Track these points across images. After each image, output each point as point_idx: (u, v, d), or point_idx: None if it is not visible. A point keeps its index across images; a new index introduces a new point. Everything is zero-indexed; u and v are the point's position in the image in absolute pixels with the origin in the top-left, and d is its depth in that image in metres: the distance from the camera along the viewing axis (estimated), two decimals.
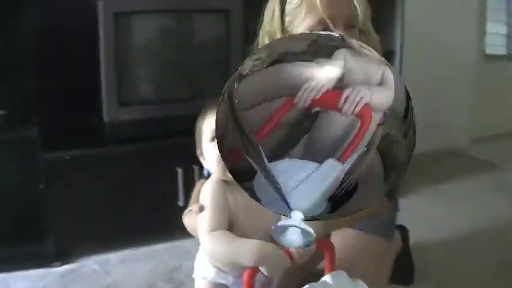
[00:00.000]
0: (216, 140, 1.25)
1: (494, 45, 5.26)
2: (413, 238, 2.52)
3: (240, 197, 1.52)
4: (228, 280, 1.61)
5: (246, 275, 1.47)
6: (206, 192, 1.58)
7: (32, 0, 2.65)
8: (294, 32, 1.68)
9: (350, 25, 1.65)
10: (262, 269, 1.46)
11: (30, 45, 2.67)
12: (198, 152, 1.69)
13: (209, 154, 1.60)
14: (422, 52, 4.47)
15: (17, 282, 2.61)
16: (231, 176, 1.21)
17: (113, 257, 2.81)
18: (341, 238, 1.85)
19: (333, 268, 1.62)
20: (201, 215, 1.55)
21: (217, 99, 1.16)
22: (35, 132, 2.67)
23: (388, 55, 3.36)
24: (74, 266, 2.75)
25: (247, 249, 1.46)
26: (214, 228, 1.52)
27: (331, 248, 1.64)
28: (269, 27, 1.76)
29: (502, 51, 5.35)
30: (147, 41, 3.00)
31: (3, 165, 2.93)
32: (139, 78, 2.91)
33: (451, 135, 4.96)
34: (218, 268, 1.61)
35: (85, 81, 2.85)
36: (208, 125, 1.60)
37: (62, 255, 2.78)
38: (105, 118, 2.79)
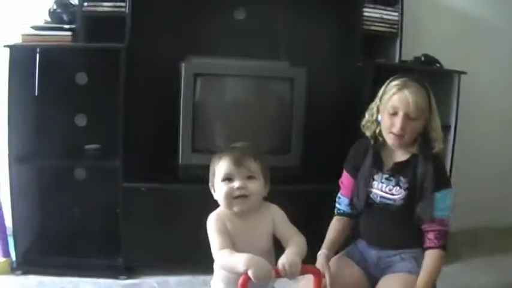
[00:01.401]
0: (225, 181, 2.01)
1: None
2: None
3: (238, 223, 2.11)
4: None
5: (240, 280, 1.93)
6: (210, 222, 2.14)
7: (126, 61, 3.40)
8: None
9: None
10: (250, 273, 1.90)
11: (123, 97, 3.41)
12: (210, 185, 2.23)
13: (219, 191, 2.13)
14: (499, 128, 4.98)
15: (86, 285, 3.30)
16: (234, 209, 1.88)
17: (172, 280, 3.46)
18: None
19: None
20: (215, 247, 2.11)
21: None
22: (120, 164, 3.39)
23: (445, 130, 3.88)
24: (137, 281, 3.43)
25: (241, 259, 1.94)
26: (221, 248, 2.05)
27: (318, 273, 2.09)
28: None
29: None
30: (221, 100, 3.69)
31: (94, 187, 3.81)
32: (211, 131, 3.56)
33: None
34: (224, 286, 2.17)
35: (167, 129, 3.58)
36: (220, 168, 2.12)
37: (128, 271, 3.49)
38: (181, 161, 3.48)
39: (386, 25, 3.96)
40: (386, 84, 2.69)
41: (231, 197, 2.11)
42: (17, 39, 3.46)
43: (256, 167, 2.18)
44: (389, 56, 4.09)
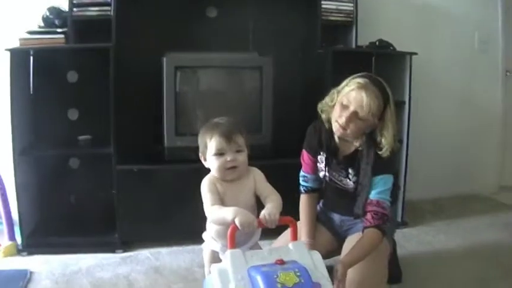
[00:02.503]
0: (217, 155, 2.58)
1: None
2: (408, 253, 3.45)
3: (226, 185, 2.62)
4: (218, 247, 2.66)
5: (229, 229, 2.33)
6: (204, 184, 2.65)
7: (114, 59, 3.92)
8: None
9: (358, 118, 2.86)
10: (236, 221, 2.32)
11: (111, 91, 3.93)
12: (200, 154, 2.71)
13: (212, 163, 2.62)
14: (453, 104, 5.58)
15: (87, 260, 3.82)
16: (227, 178, 2.56)
17: (164, 250, 4.00)
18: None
19: (295, 238, 2.45)
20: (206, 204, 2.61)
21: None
22: (112, 150, 3.94)
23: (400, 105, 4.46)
24: (132, 254, 3.96)
25: (229, 210, 2.39)
26: (212, 204, 2.52)
27: (293, 222, 2.47)
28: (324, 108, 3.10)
29: None
30: (199, 89, 4.29)
31: (88, 173, 4.38)
32: (191, 116, 4.11)
33: (480, 182, 5.84)
34: (214, 240, 2.69)
35: (152, 117, 4.18)
36: (213, 144, 2.59)
37: (124, 245, 4.04)
38: (166, 144, 4.05)
39: (343, 15, 4.50)
40: (352, 77, 2.96)
41: (224, 169, 2.59)
42: (15, 44, 3.92)
43: (242, 141, 2.64)
44: (347, 42, 4.61)
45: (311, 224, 3.22)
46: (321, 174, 3.21)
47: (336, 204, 3.27)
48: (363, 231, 2.90)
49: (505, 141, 5.99)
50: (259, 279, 2.11)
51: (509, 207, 5.33)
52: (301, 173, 3.34)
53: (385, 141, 2.89)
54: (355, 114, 2.84)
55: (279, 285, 2.07)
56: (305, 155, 3.29)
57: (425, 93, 5.21)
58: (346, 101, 2.87)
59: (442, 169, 5.47)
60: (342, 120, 2.87)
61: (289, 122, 4.49)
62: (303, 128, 4.16)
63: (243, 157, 2.64)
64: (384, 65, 4.62)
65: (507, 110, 5.96)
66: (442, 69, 5.46)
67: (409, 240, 4.15)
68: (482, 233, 4.49)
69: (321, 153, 3.16)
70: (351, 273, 2.72)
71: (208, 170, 2.69)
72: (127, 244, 4.07)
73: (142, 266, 3.75)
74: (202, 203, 2.61)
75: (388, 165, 2.96)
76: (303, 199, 3.31)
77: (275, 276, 2.10)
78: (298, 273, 2.15)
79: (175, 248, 4.04)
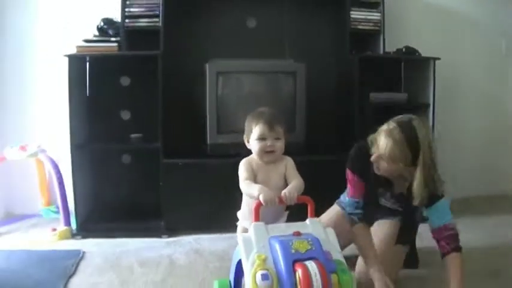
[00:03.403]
0: (260, 139, 3.05)
1: None
2: (428, 243, 3.43)
3: (261, 166, 3.12)
4: (248, 224, 3.03)
5: (254, 205, 2.72)
6: (241, 163, 3.12)
7: (162, 65, 4.49)
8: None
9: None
10: (260, 197, 2.74)
11: (160, 93, 4.50)
12: (245, 138, 3.18)
13: (254, 146, 3.10)
14: (481, 106, 5.97)
15: (135, 243, 4.34)
16: (264, 160, 3.08)
17: (204, 237, 4.50)
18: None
19: (312, 216, 2.77)
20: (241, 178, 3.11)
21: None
22: (160, 145, 4.50)
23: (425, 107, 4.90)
24: (176, 239, 4.48)
25: (256, 187, 2.84)
26: (246, 179, 3.02)
27: (310, 201, 2.79)
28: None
29: None
30: (238, 92, 4.82)
31: (138, 168, 5.00)
32: (231, 116, 4.60)
33: (509, 182, 6.12)
34: (245, 218, 3.20)
35: (196, 117, 4.74)
36: (257, 130, 3.07)
37: (169, 231, 4.58)
38: (208, 141, 4.60)
39: (371, 24, 4.99)
40: (392, 119, 2.96)
41: (263, 152, 3.08)
42: (72, 51, 4.50)
43: (281, 131, 3.11)
44: (375, 49, 5.08)
45: (375, 253, 3.19)
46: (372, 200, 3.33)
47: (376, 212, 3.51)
48: (442, 258, 3.01)
49: None
50: (277, 246, 2.47)
51: None
52: (350, 200, 3.30)
53: (415, 190, 2.89)
54: (380, 157, 2.96)
55: (293, 251, 2.43)
56: (353, 178, 3.28)
57: (452, 96, 5.65)
58: (376, 143, 2.98)
59: (470, 169, 5.78)
60: (372, 158, 3.00)
61: (321, 122, 5.01)
62: (333, 127, 4.73)
63: (280, 144, 3.11)
64: (411, 70, 5.19)
65: None
66: (469, 74, 5.88)
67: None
68: (507, 230, 4.71)
69: (372, 183, 3.22)
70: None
71: (247, 154, 3.19)
72: (171, 230, 4.58)
73: (184, 248, 4.24)
74: (240, 195, 3.13)
75: (439, 193, 3.01)
76: (361, 229, 3.26)
77: (290, 244, 2.47)
78: (310, 242, 2.49)
79: (214, 235, 4.51)
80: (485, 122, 6.01)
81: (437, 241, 3.03)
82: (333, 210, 3.69)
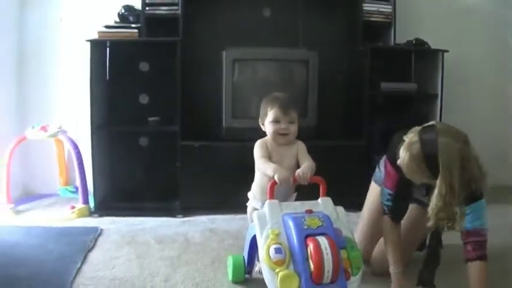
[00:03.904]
0: (274, 122, 3.23)
1: None
2: None
3: (275, 147, 3.26)
4: (258, 205, 3.26)
5: (270, 183, 2.90)
6: (257, 143, 3.26)
7: (181, 51, 4.70)
8: None
9: None
10: (275, 176, 2.91)
11: (178, 78, 4.73)
12: (260, 121, 3.34)
13: (269, 128, 3.25)
14: (488, 99, 6.14)
15: (151, 222, 4.55)
16: (278, 141, 3.25)
17: (219, 217, 4.71)
18: None
19: (324, 195, 2.93)
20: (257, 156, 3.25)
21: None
22: (177, 128, 4.72)
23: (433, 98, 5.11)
24: (190, 219, 4.69)
25: (271, 166, 3.04)
26: (262, 157, 3.19)
27: (323, 181, 2.95)
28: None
29: None
30: (253, 79, 5.03)
31: (155, 150, 5.25)
32: (246, 102, 4.79)
33: None
34: (255, 198, 3.37)
35: (213, 101, 4.93)
36: (272, 113, 3.22)
37: (184, 211, 4.79)
38: (224, 125, 4.80)
39: (382, 16, 5.18)
40: (415, 129, 2.81)
41: (277, 134, 3.24)
42: (94, 36, 4.73)
43: (295, 115, 3.28)
44: (386, 40, 5.28)
45: (399, 253, 3.13)
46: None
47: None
48: (465, 262, 2.88)
49: None
50: (290, 222, 2.65)
51: None
52: (385, 190, 3.22)
53: (428, 213, 2.76)
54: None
55: (305, 226, 2.60)
56: (391, 168, 3.15)
57: (460, 87, 5.79)
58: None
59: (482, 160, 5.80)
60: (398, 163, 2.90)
61: (332, 110, 5.22)
62: (344, 115, 4.90)
63: (293, 128, 3.27)
64: (420, 62, 5.40)
65: None
66: (477, 65, 6.00)
67: None
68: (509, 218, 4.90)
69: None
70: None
71: (262, 136, 3.35)
72: (187, 210, 4.79)
73: (199, 227, 4.44)
74: (253, 177, 3.34)
75: (478, 193, 2.85)
76: (389, 224, 3.18)
77: (302, 220, 2.65)
78: (322, 219, 2.67)
79: (229, 216, 4.71)
80: (493, 113, 6.17)
81: (464, 243, 2.88)
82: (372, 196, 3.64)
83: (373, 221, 3.54)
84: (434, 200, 2.67)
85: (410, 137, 2.76)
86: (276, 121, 3.24)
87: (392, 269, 3.07)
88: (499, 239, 3.90)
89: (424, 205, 2.94)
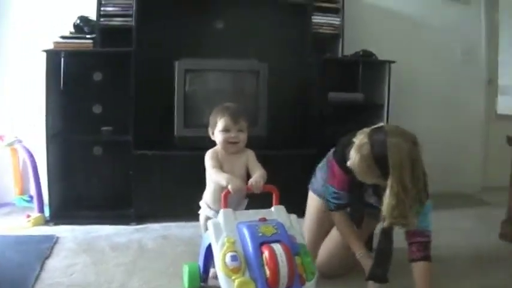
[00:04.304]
0: (224, 131, 3.35)
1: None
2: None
3: (226, 157, 3.40)
4: (210, 213, 3.40)
5: (223, 192, 3.01)
6: (208, 153, 3.39)
7: (134, 62, 4.84)
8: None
9: None
10: (229, 186, 3.02)
11: (132, 88, 4.84)
12: (210, 130, 3.45)
13: (218, 137, 3.38)
14: (436, 108, 6.37)
15: (106, 230, 4.66)
16: (228, 151, 3.39)
17: (172, 224, 4.84)
18: None
19: (277, 203, 3.06)
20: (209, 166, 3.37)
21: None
22: (130, 138, 4.84)
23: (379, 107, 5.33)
24: (144, 226, 4.81)
25: (225, 176, 3.15)
26: (213, 167, 3.31)
27: (275, 190, 3.08)
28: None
29: None
30: (205, 89, 5.14)
31: (109, 159, 5.29)
32: (198, 111, 4.87)
33: (463, 182, 6.58)
34: (208, 207, 3.49)
35: (165, 111, 5.02)
36: (222, 122, 3.35)
37: (138, 219, 4.91)
38: (176, 133, 4.92)
39: (331, 28, 5.41)
40: (364, 131, 2.92)
41: (227, 142, 3.37)
42: (50, 46, 4.80)
43: (244, 124, 3.42)
44: (335, 51, 5.51)
45: (358, 237, 3.30)
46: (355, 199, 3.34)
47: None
48: (409, 261, 3.02)
49: (487, 145, 6.75)
50: (244, 230, 2.77)
51: (487, 203, 6.07)
52: (329, 188, 3.35)
53: (382, 213, 2.86)
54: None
55: (259, 234, 2.73)
56: (337, 170, 3.27)
57: (408, 97, 6.08)
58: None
59: (426, 170, 5.96)
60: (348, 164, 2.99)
61: (282, 119, 5.35)
62: (293, 124, 5.07)
63: (243, 136, 3.42)
64: (368, 72, 5.61)
65: (490, 116, 6.78)
66: (425, 77, 6.30)
67: None
68: (455, 221, 5.20)
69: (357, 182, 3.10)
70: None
71: (212, 146, 3.48)
72: (141, 218, 4.91)
73: (152, 234, 4.57)
74: (205, 185, 3.47)
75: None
76: (339, 216, 3.34)
77: (257, 228, 2.77)
78: (276, 227, 2.80)
79: (182, 223, 4.84)
80: (440, 123, 6.43)
81: (409, 244, 3.03)
82: (312, 208, 3.77)
83: (315, 230, 3.67)
84: (387, 199, 2.76)
85: (360, 138, 2.85)
86: (225, 130, 3.37)
87: (359, 254, 3.20)
88: (446, 242, 4.37)
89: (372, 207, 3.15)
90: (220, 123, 3.39)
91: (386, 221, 2.84)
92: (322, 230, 3.59)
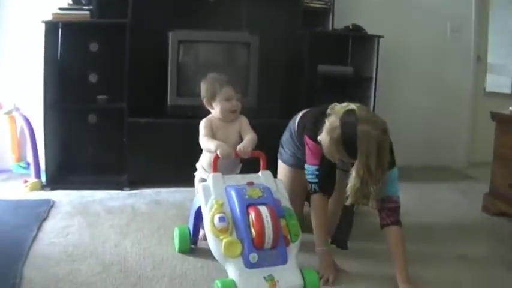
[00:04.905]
0: (226, 101, 3.52)
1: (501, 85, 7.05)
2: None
3: (220, 124, 3.55)
4: (206, 175, 3.52)
5: (212, 158, 3.17)
6: (202, 122, 3.52)
7: (130, 33, 4.99)
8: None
9: None
10: (218, 151, 3.16)
11: (127, 58, 5.00)
12: (205, 100, 3.58)
13: (219, 106, 3.51)
14: (424, 83, 6.56)
15: (100, 194, 4.86)
16: (227, 117, 3.55)
17: (163, 190, 5.06)
18: None
19: (264, 168, 3.21)
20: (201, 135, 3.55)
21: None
22: (124, 106, 5.02)
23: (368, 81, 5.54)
24: (137, 191, 5.02)
25: (214, 143, 3.28)
26: (205, 135, 3.45)
27: (263, 155, 3.23)
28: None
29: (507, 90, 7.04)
30: (197, 59, 5.39)
31: (103, 126, 5.46)
32: (190, 81, 5.03)
33: (451, 157, 6.81)
34: (204, 169, 3.68)
35: (159, 80, 5.22)
36: (224, 91, 3.48)
37: (131, 185, 5.11)
38: (169, 102, 5.13)
39: (322, 2, 5.60)
40: (342, 108, 2.98)
41: (229, 111, 3.52)
42: (49, 17, 4.95)
43: (239, 94, 3.61)
44: (325, 25, 5.70)
45: (326, 232, 3.34)
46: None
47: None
48: (381, 228, 3.14)
49: (475, 122, 6.91)
50: (232, 193, 2.93)
51: (472, 177, 6.25)
52: (311, 168, 3.35)
53: (347, 192, 2.96)
54: None
55: (246, 197, 2.89)
56: (312, 145, 3.31)
57: (395, 72, 6.27)
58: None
59: (409, 141, 6.10)
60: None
61: (272, 90, 5.60)
62: (283, 95, 5.28)
63: (240, 105, 3.59)
64: (357, 46, 5.84)
65: (478, 93, 6.95)
66: (414, 53, 6.48)
67: None
68: (439, 193, 5.42)
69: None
70: None
71: (204, 115, 3.63)
72: (134, 184, 5.11)
73: (145, 199, 4.77)
74: (196, 152, 3.62)
75: (390, 160, 3.02)
76: (319, 200, 3.34)
77: (244, 191, 2.92)
78: (262, 190, 2.96)
79: (173, 189, 5.06)
80: (428, 98, 6.64)
81: (379, 211, 3.13)
82: (282, 176, 3.87)
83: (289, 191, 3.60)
84: (352, 181, 2.88)
85: (332, 121, 2.94)
86: (228, 99, 3.52)
87: (320, 249, 3.29)
88: (429, 213, 4.70)
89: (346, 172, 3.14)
90: (223, 93, 3.53)
91: (350, 199, 2.95)
92: (295, 189, 3.70)
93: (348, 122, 2.87)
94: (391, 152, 3.08)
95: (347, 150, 2.88)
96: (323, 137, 2.98)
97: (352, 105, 2.98)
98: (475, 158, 6.85)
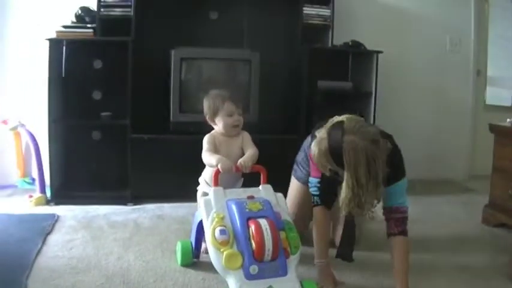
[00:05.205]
0: (228, 116, 3.61)
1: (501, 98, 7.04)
2: None
3: (222, 139, 3.63)
4: (208, 189, 3.42)
5: (213, 172, 3.21)
6: (206, 138, 3.60)
7: (132, 50, 5.09)
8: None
9: None
10: (219, 166, 3.21)
11: (129, 75, 5.09)
12: (208, 117, 3.66)
13: (222, 122, 3.59)
14: (425, 97, 6.62)
15: (104, 209, 4.94)
16: (229, 132, 3.64)
17: (166, 205, 5.12)
18: None
19: (264, 182, 3.25)
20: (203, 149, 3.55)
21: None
22: (128, 122, 5.11)
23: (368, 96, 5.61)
24: (140, 206, 5.10)
25: (215, 157, 3.32)
26: (207, 150, 3.51)
27: (263, 170, 3.28)
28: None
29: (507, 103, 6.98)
30: (199, 76, 5.48)
31: (107, 143, 5.54)
32: (192, 98, 5.17)
33: (451, 170, 6.85)
34: (206, 183, 3.75)
35: (161, 97, 5.30)
36: (226, 107, 3.58)
37: (135, 199, 5.19)
38: (171, 119, 5.21)
39: (321, 19, 5.66)
40: (331, 123, 2.97)
41: (232, 126, 3.61)
42: (53, 35, 5.06)
43: (241, 109, 3.68)
44: (324, 41, 5.77)
45: (326, 244, 3.40)
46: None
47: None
48: (387, 237, 3.16)
49: (475, 135, 6.94)
50: (233, 206, 2.97)
51: (472, 190, 6.29)
52: (314, 180, 3.40)
53: (340, 203, 2.98)
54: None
55: (246, 210, 2.93)
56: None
57: (396, 86, 6.33)
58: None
59: (410, 156, 5.90)
60: None
61: (273, 106, 5.63)
62: (283, 111, 5.41)
63: (242, 120, 3.67)
64: (356, 62, 5.93)
65: (478, 106, 6.99)
66: (414, 67, 6.56)
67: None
68: (440, 206, 5.47)
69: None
70: None
71: (206, 131, 3.70)
72: (137, 199, 5.19)
73: (148, 214, 4.85)
74: (199, 167, 3.70)
75: (400, 171, 3.13)
76: (320, 213, 3.39)
77: (245, 204, 2.97)
78: (262, 203, 3.00)
79: (175, 204, 5.11)
80: (428, 112, 6.71)
81: (387, 220, 3.15)
82: (294, 191, 4.04)
83: (300, 204, 3.90)
84: (343, 192, 2.89)
85: (321, 133, 2.95)
86: (230, 114, 3.61)
87: (319, 262, 3.34)
88: (429, 225, 4.70)
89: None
90: (225, 109, 3.62)
91: (342, 210, 2.96)
92: (306, 203, 3.71)
93: (334, 134, 2.87)
94: (400, 163, 3.14)
95: (335, 161, 2.88)
96: (312, 149, 3.00)
97: (343, 117, 2.97)
98: (476, 170, 6.87)
